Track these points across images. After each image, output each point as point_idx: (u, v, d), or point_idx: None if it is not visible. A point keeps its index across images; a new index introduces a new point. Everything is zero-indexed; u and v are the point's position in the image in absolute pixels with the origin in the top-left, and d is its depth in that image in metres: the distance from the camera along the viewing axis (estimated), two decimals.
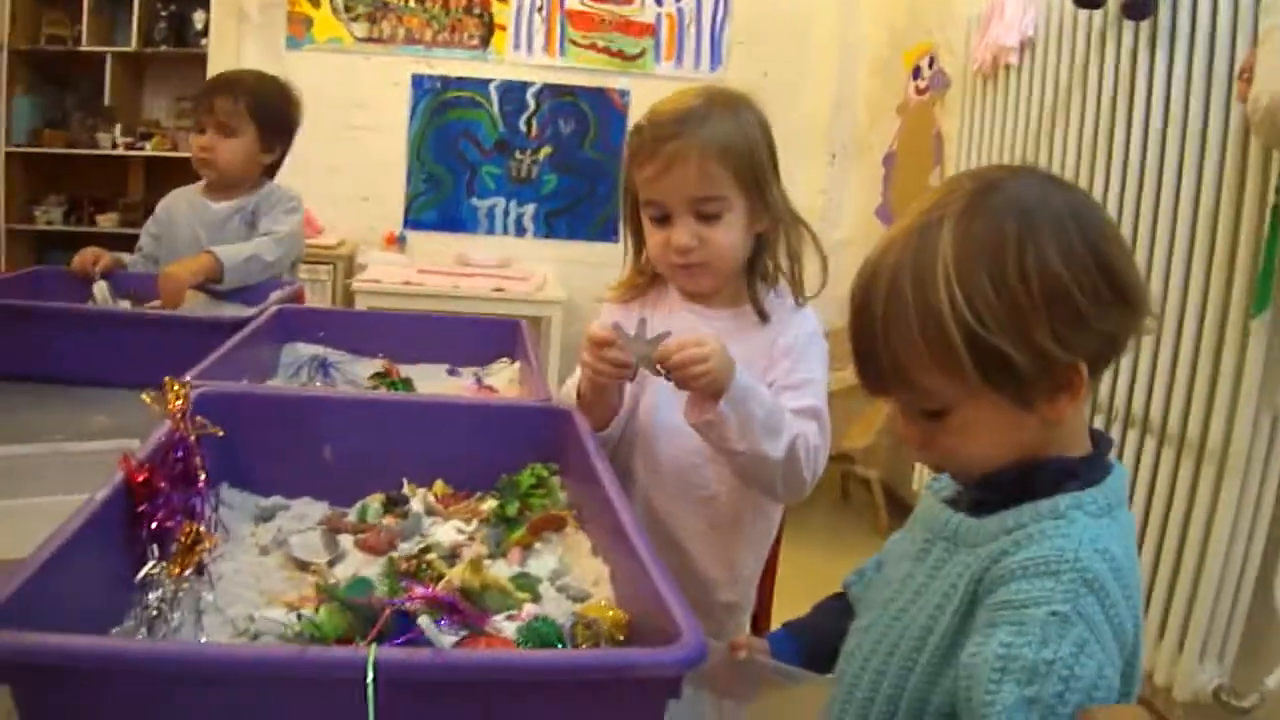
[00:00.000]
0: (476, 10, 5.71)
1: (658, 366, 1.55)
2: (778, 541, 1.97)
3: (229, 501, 1.44)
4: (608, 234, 5.71)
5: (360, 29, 5.66)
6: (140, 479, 1.15)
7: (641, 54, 5.84)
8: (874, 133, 5.60)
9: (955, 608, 1.11)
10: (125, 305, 2.59)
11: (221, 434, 1.29)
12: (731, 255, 1.77)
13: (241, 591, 1.21)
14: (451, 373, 2.31)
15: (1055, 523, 1.08)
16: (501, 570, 1.27)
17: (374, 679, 0.82)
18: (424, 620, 0.93)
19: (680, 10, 5.83)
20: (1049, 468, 1.13)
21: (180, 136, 5.70)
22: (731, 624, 1.84)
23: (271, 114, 2.95)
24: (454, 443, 1.61)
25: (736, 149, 1.72)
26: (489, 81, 5.77)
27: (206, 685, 0.87)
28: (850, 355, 1.17)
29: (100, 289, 2.61)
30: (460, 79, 5.75)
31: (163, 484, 1.18)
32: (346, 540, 1.37)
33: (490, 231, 5.86)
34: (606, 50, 5.82)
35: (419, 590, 1.02)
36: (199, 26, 5.73)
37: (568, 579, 1.28)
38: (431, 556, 1.23)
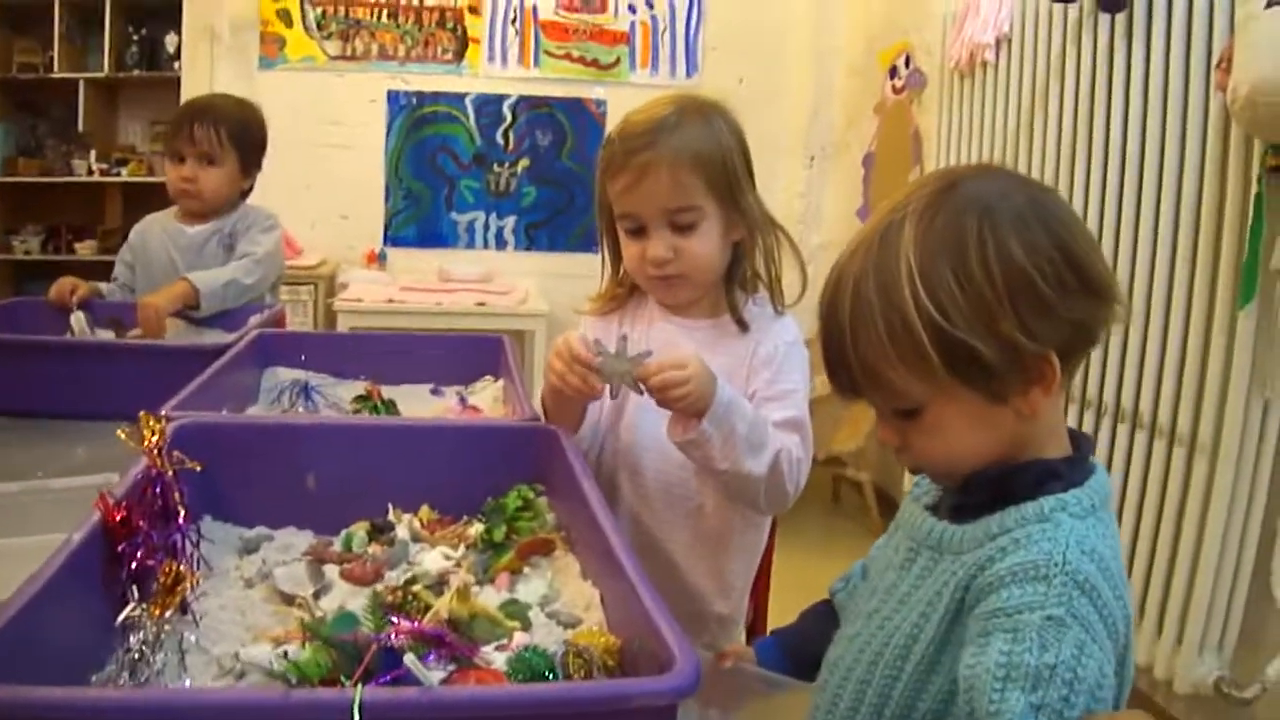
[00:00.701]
0: (450, 24, 5.70)
1: (639, 385, 1.53)
2: (771, 549, 1.96)
3: (211, 534, 1.42)
4: (589, 245, 5.66)
5: (333, 47, 5.64)
6: (118, 518, 1.13)
7: (616, 62, 5.83)
8: (852, 134, 5.59)
9: (941, 615, 1.11)
10: (108, 335, 2.56)
11: (200, 468, 1.27)
12: (708, 265, 1.76)
13: (227, 628, 1.19)
14: (435, 393, 2.30)
15: (1041, 526, 1.07)
16: (490, 597, 1.25)
17: None
18: (409, 657, 0.91)
19: (654, 18, 5.82)
20: (1030, 469, 1.13)
21: (156, 161, 5.68)
22: (725, 637, 1.83)
23: (250, 139, 2.95)
24: (439, 466, 1.59)
25: (709, 157, 1.70)
26: (464, 95, 5.75)
27: None
28: None
29: (78, 320, 2.58)
30: (436, 94, 5.73)
31: (141, 522, 1.15)
32: (332, 571, 1.35)
33: (471, 246, 5.85)
34: (581, 60, 5.81)
35: (405, 625, 1.00)
36: (171, 50, 5.72)
37: (558, 605, 1.26)
38: (417, 588, 1.21)
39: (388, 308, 5.01)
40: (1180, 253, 2.82)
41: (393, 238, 5.78)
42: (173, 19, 5.57)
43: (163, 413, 1.44)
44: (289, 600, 1.28)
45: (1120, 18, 3.05)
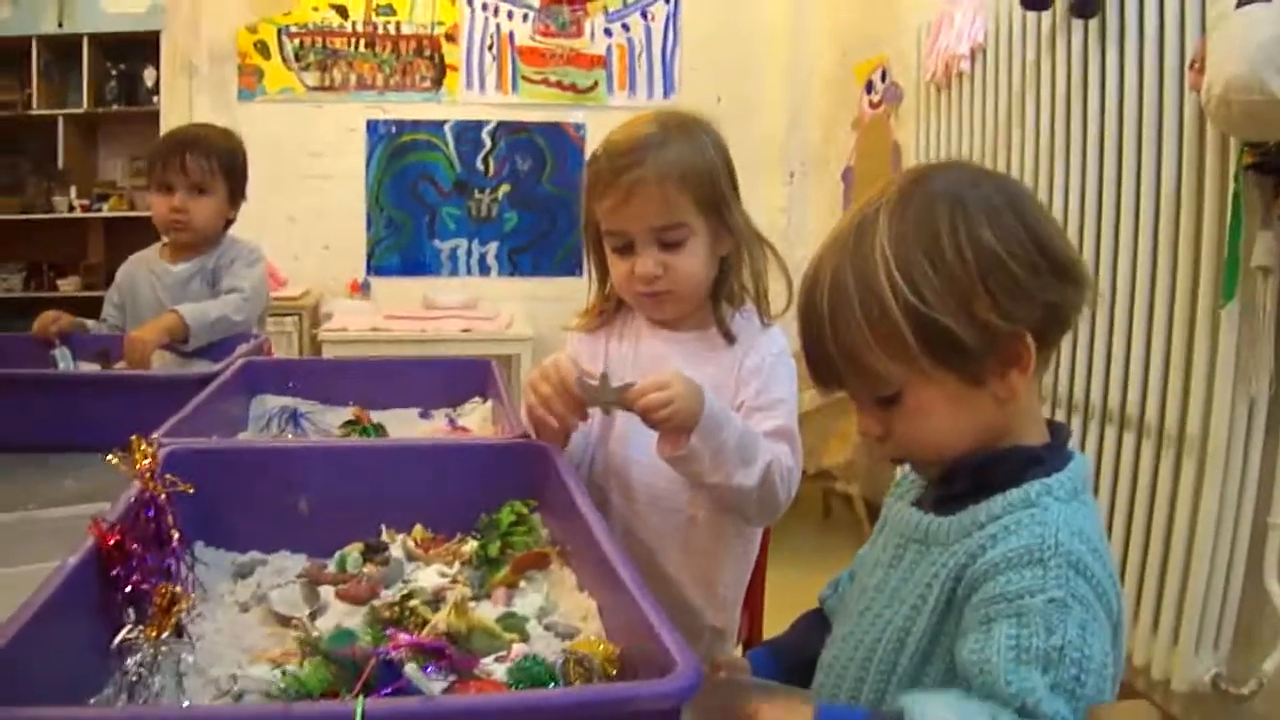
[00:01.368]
0: (427, 52, 5.72)
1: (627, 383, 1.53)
2: (763, 564, 1.96)
3: (205, 560, 1.41)
4: (572, 268, 5.71)
5: (311, 78, 5.65)
6: (111, 541, 1.13)
7: (594, 86, 5.85)
8: (830, 149, 5.61)
9: (932, 607, 1.12)
10: (94, 369, 2.55)
11: (192, 490, 1.26)
12: (696, 281, 1.77)
13: (223, 651, 1.18)
14: (424, 415, 2.29)
15: (1029, 511, 1.09)
16: (487, 612, 1.25)
17: None
18: (410, 668, 0.90)
19: (630, 40, 5.85)
20: (1012, 456, 1.14)
21: (138, 196, 5.66)
22: (718, 650, 1.82)
23: (237, 168, 2.96)
24: (430, 485, 1.58)
25: (696, 174, 1.71)
26: (444, 123, 5.77)
27: None
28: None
29: (62, 354, 2.57)
30: (415, 122, 5.75)
31: (135, 545, 1.15)
32: (327, 591, 1.34)
33: (454, 273, 5.85)
34: (559, 84, 5.84)
35: (404, 638, 1.00)
36: (149, 84, 5.71)
37: (555, 616, 1.26)
38: (414, 603, 1.20)
39: (372, 336, 5.02)
40: (1162, 253, 2.84)
41: (376, 267, 5.79)
42: (151, 53, 5.59)
43: (154, 436, 1.43)
44: (285, 622, 1.27)
45: (1093, 23, 3.07)
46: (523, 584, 1.37)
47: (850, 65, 5.31)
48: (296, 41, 5.63)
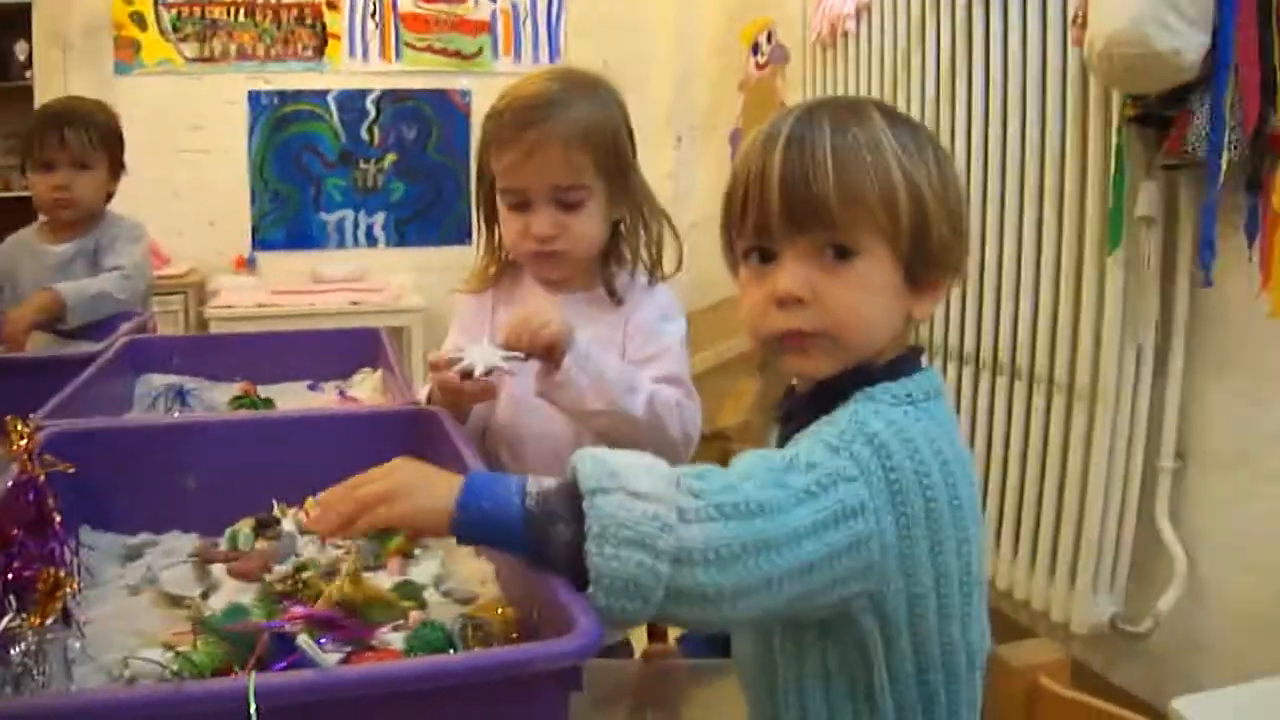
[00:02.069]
0: (309, 20, 5.61)
1: (511, 354, 1.51)
2: None
3: (91, 544, 1.38)
4: (461, 237, 5.65)
5: (191, 49, 5.51)
6: None
7: (479, 52, 5.79)
8: (718, 113, 5.62)
9: None
10: None
11: (73, 470, 1.23)
12: (590, 243, 1.76)
13: (114, 636, 1.15)
14: (313, 388, 2.27)
15: (842, 410, 1.08)
16: (383, 581, 1.23)
17: (256, 708, 0.78)
18: (303, 640, 0.89)
19: (515, 5, 5.79)
20: (850, 374, 1.12)
21: (13, 175, 5.49)
22: None
23: (117, 140, 2.89)
24: (321, 456, 1.54)
25: (600, 134, 1.70)
26: (327, 92, 5.67)
27: None
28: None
29: None
30: (298, 92, 5.64)
31: (15, 530, 1.11)
32: (219, 570, 1.32)
33: (341, 245, 5.77)
34: (443, 51, 5.76)
35: (297, 610, 0.98)
36: (21, 58, 5.52)
37: (452, 583, 1.25)
38: (308, 574, 1.18)
39: (259, 312, 4.95)
40: (1048, 205, 2.89)
41: (261, 241, 5.68)
42: (22, 26, 5.39)
43: (32, 418, 1.39)
44: (177, 603, 1.25)
45: None
46: (418, 552, 1.36)
47: (736, 28, 5.31)
48: (174, 12, 5.47)
